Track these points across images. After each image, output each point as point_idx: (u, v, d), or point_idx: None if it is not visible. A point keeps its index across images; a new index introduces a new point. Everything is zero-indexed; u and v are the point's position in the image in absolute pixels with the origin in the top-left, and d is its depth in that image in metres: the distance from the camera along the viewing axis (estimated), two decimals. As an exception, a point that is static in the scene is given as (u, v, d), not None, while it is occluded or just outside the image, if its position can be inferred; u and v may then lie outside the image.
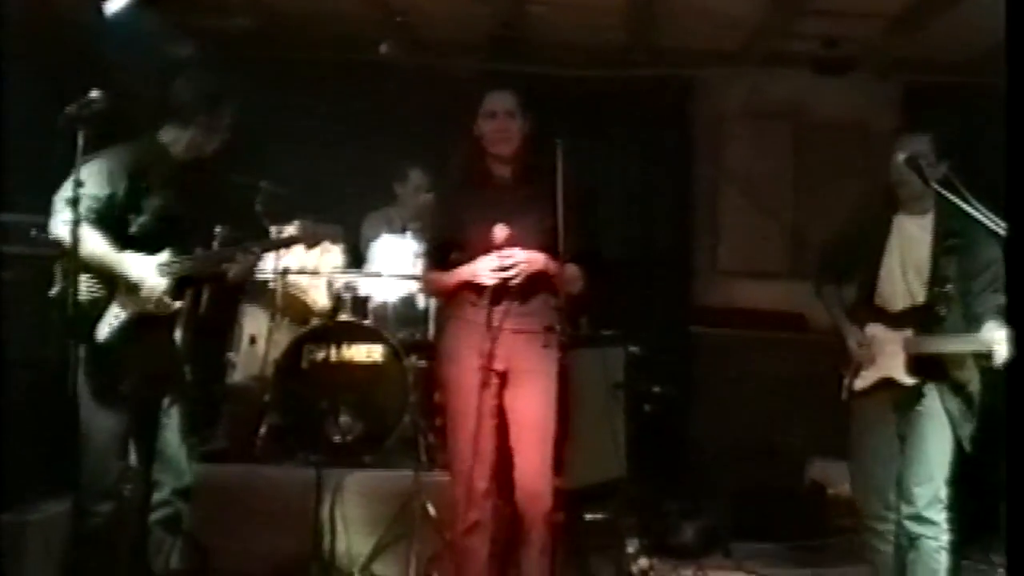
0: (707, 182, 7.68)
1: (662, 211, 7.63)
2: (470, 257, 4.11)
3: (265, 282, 5.92)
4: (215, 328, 5.68)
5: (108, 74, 4.92)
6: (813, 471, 6.58)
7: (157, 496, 4.34)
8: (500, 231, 3.97)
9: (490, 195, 4.19)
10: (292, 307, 6.02)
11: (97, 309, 4.12)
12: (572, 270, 4.07)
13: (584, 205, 4.15)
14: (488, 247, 4.02)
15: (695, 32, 6.91)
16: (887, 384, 4.26)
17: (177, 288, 4.27)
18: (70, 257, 3.85)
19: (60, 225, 3.97)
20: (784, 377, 6.82)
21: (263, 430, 5.54)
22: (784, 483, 6.53)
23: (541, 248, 4.02)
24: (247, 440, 5.56)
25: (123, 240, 4.13)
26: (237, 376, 5.94)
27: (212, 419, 5.80)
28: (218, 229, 4.73)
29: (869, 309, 4.38)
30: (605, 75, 7.38)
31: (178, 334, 4.68)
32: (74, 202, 3.75)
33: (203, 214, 4.56)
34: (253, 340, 6.01)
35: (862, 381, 4.34)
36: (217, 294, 5.08)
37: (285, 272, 5.83)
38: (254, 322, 6.04)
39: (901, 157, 4.11)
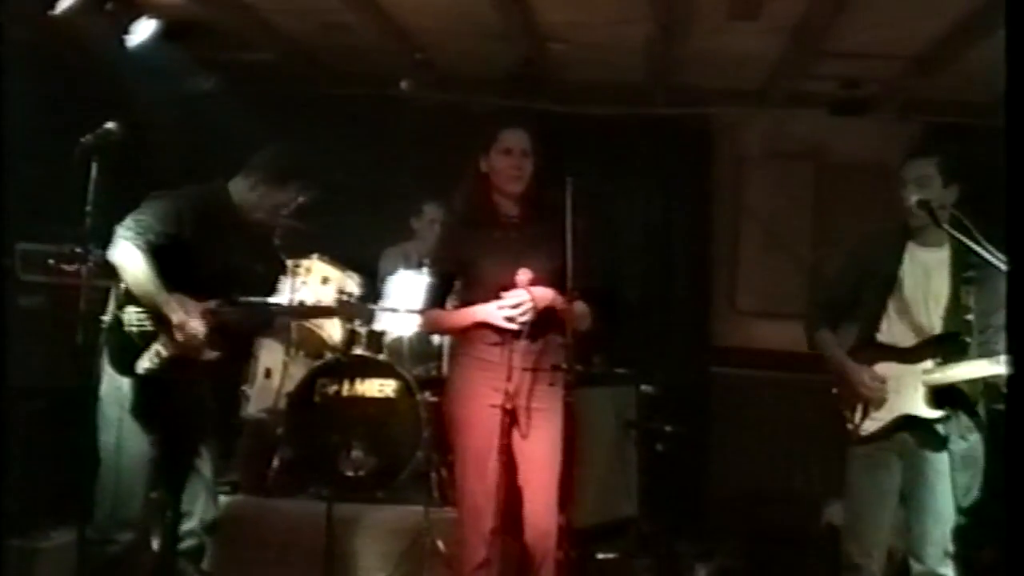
0: (726, 222, 7.66)
1: (681, 250, 7.60)
2: (476, 294, 4.09)
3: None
4: (231, 361, 5.70)
5: (129, 106, 4.99)
6: (829, 513, 6.50)
7: (184, 527, 4.36)
8: (524, 275, 3.93)
9: (496, 232, 4.13)
10: (308, 341, 6.04)
11: (143, 342, 4.14)
12: (580, 307, 4.01)
13: (592, 242, 4.11)
14: (499, 287, 3.99)
15: (715, 72, 6.92)
16: (903, 424, 4.13)
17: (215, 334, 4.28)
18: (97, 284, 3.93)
19: (119, 253, 4.04)
20: (801, 418, 6.75)
21: (275, 463, 5.55)
22: (800, 525, 6.44)
23: (547, 285, 3.98)
24: (259, 473, 5.57)
25: (174, 280, 4.15)
26: (251, 409, 5.95)
27: (225, 452, 5.79)
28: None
29: (873, 348, 4.25)
30: (625, 114, 7.39)
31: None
32: (86, 235, 3.80)
33: (256, 267, 4.59)
34: (268, 373, 6.04)
35: (873, 423, 4.19)
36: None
37: (301, 306, 5.84)
38: (270, 355, 6.07)
39: (913, 199, 4.05)
